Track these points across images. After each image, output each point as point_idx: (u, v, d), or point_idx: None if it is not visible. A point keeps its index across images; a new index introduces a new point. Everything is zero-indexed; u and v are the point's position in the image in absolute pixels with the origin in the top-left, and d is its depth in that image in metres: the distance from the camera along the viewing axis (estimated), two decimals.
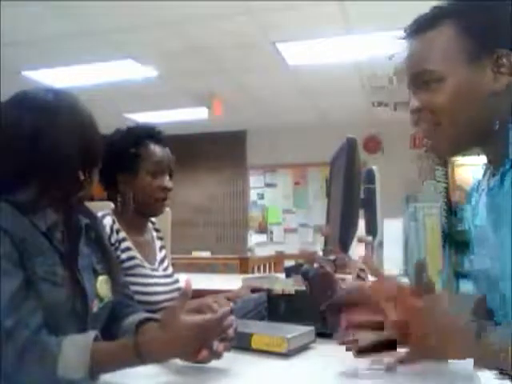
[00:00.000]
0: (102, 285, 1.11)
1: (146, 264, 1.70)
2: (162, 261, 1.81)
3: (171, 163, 1.77)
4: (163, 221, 1.96)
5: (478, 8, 0.97)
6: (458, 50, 0.96)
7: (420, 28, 1.00)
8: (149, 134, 1.75)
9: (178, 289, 1.80)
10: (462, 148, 1.03)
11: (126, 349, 0.90)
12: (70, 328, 0.98)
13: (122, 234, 1.67)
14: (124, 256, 1.63)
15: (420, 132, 1.03)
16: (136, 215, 1.73)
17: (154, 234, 1.87)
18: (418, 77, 1.01)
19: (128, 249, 1.66)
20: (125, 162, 1.68)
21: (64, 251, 1.04)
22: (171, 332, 0.90)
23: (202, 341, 0.93)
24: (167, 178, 1.74)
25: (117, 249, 1.62)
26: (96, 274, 1.11)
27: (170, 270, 1.84)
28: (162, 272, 1.76)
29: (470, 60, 0.95)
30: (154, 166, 1.71)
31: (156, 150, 1.74)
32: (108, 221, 1.66)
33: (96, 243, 1.17)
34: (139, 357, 0.89)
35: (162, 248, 1.86)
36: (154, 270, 1.71)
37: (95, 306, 1.07)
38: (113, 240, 1.62)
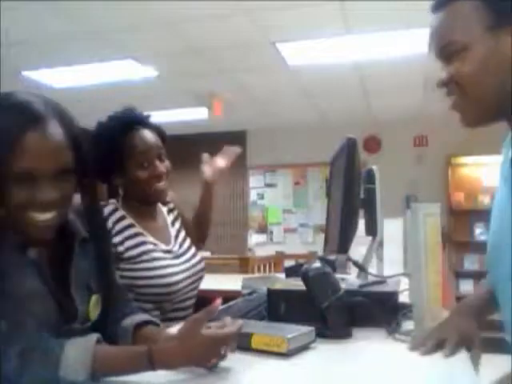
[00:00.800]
0: (94, 305, 1.08)
1: (161, 246, 1.66)
2: (177, 236, 1.77)
3: (157, 146, 1.69)
4: None
5: None
6: (479, 20, 0.97)
7: (441, 3, 1.02)
8: (125, 123, 1.68)
9: (198, 263, 1.76)
10: (490, 118, 1.03)
11: (138, 355, 0.90)
12: None
13: (128, 221, 1.65)
14: (129, 243, 1.60)
15: (450, 105, 1.03)
16: (141, 204, 1.71)
17: (165, 209, 1.82)
18: (444, 50, 1.02)
19: (136, 235, 1.63)
20: (110, 161, 1.63)
21: (42, 266, 1.00)
22: (188, 344, 0.90)
23: (216, 353, 0.94)
24: (157, 163, 1.67)
25: (118, 235, 1.59)
26: (90, 291, 1.09)
27: (187, 243, 1.79)
28: (177, 250, 1.72)
29: (490, 29, 0.96)
30: (140, 158, 1.64)
31: (136, 139, 1.65)
32: (108, 209, 1.63)
33: (95, 258, 1.12)
34: (151, 364, 0.89)
35: (174, 221, 1.82)
36: (167, 251, 1.68)
37: (78, 324, 1.04)
38: (114, 231, 1.59)
